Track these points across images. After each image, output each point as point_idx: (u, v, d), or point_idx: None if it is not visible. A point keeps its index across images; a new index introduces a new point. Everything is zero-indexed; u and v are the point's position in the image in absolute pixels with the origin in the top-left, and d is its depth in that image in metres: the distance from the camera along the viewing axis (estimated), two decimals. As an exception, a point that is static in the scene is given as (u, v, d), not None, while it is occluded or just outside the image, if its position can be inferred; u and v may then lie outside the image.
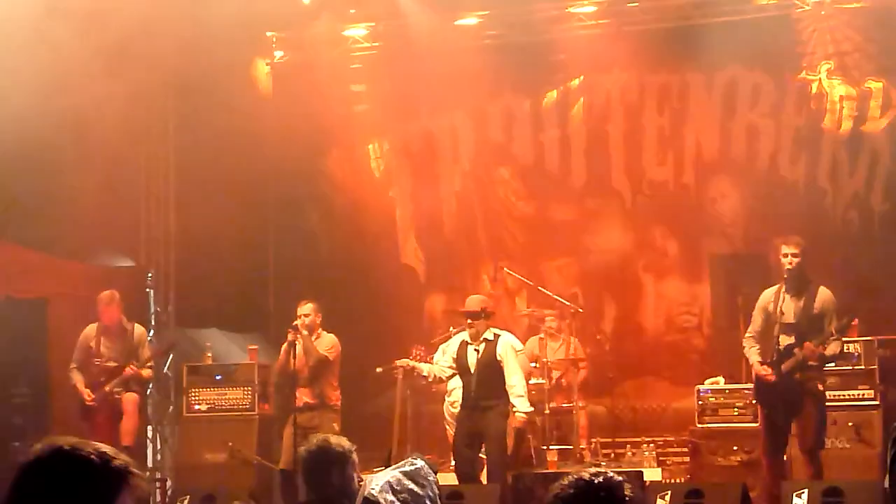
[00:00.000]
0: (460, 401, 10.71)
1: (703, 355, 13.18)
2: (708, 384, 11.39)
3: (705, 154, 13.60)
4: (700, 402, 11.27)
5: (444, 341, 11.40)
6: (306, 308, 11.08)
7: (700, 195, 13.61)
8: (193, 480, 11.58)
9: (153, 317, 13.59)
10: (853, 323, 10.23)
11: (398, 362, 11.25)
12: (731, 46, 12.72)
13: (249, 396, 12.14)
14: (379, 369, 11.53)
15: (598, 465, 10.74)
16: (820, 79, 13.08)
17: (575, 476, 3.09)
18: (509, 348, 10.40)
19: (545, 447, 11.64)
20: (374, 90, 14.28)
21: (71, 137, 11.45)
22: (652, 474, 11.08)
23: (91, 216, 12.06)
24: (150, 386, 12.70)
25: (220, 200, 12.45)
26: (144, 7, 11.31)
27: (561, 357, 12.16)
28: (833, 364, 10.08)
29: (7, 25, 10.40)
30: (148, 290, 13.66)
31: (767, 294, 9.90)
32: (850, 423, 10.56)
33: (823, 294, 9.72)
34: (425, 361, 11.21)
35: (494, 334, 10.45)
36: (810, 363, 9.60)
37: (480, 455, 10.60)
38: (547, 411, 11.67)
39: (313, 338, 11.11)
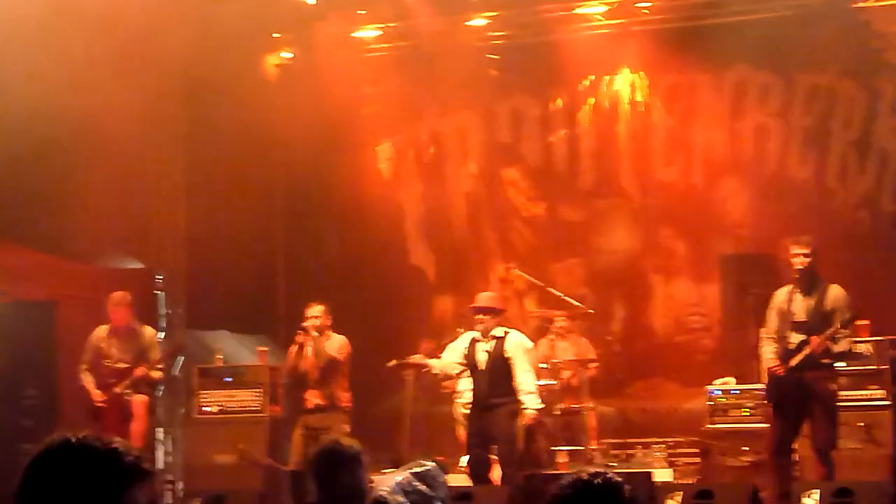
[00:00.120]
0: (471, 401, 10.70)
1: (712, 356, 13.15)
2: (718, 385, 11.35)
3: (714, 154, 13.59)
4: (710, 403, 11.23)
5: (452, 341, 11.39)
6: (316, 310, 11.04)
7: (709, 195, 13.60)
8: (203, 482, 11.54)
9: (163, 319, 13.58)
10: (863, 322, 10.18)
11: (411, 358, 11.25)
12: (739, 46, 12.71)
13: (259, 398, 12.11)
14: (391, 363, 11.50)
15: (608, 467, 10.71)
16: (829, 78, 13.08)
17: (574, 476, 3.08)
18: (518, 345, 10.38)
19: (555, 448, 11.62)
20: (384, 92, 14.28)
21: (80, 139, 11.45)
22: (662, 475, 11.04)
23: (100, 218, 12.04)
24: (161, 388, 12.69)
25: (229, 202, 12.46)
26: (154, 9, 11.33)
27: (570, 358, 12.15)
28: (844, 364, 10.00)
29: (17, 26, 10.40)
30: (157, 292, 13.65)
31: (781, 294, 9.82)
32: (860, 424, 10.45)
33: (835, 291, 9.63)
34: (435, 357, 11.20)
35: (504, 331, 10.41)
36: (819, 359, 9.53)
37: (491, 456, 10.58)
38: (556, 412, 11.65)
39: (323, 339, 11.10)
